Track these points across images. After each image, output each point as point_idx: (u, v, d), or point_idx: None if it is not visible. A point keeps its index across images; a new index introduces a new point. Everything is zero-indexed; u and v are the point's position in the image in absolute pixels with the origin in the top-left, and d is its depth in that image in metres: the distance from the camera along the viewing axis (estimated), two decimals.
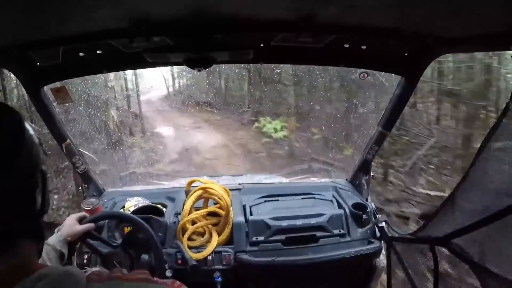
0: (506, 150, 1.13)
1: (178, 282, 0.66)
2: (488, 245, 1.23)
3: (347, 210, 1.87)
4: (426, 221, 1.60)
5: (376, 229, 1.87)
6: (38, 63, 1.44)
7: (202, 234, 1.78)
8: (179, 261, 1.68)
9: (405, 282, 1.73)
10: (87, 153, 2.01)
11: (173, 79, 14.43)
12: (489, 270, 1.20)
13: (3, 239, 0.56)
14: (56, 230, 1.41)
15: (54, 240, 1.33)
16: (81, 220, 1.48)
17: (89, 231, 1.47)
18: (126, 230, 1.77)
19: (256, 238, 1.77)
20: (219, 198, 1.79)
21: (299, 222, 1.79)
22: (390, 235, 1.82)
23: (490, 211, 1.13)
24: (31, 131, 0.63)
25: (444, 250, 1.39)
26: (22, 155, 0.58)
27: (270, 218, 1.80)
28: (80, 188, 2.01)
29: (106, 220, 1.73)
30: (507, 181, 1.12)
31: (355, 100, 6.26)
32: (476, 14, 0.96)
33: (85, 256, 1.69)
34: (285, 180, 2.38)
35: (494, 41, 1.11)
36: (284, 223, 1.78)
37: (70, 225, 1.43)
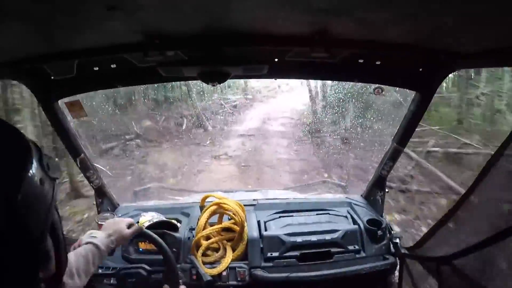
0: None
1: None
2: (490, 264, 1.24)
3: (362, 226, 1.87)
4: (429, 234, 1.62)
5: (391, 245, 1.86)
6: (52, 77, 1.44)
7: (216, 250, 1.78)
8: (194, 277, 1.67)
9: None
10: (101, 167, 2.00)
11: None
12: None
13: None
14: (102, 231, 1.30)
15: (104, 243, 1.22)
16: (129, 226, 1.38)
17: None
18: (141, 245, 1.77)
19: (271, 254, 1.76)
20: (233, 214, 1.79)
21: (313, 238, 1.78)
22: (402, 251, 1.81)
23: (494, 230, 1.14)
24: (37, 169, 0.51)
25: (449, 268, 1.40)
26: (20, 206, 0.47)
27: (285, 234, 1.79)
28: (95, 202, 2.00)
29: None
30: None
31: None
32: (491, 29, 0.96)
33: None
34: (299, 195, 2.37)
35: (510, 56, 1.09)
36: (299, 239, 1.78)
37: (121, 230, 1.32)
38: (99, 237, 1.23)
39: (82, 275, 1.05)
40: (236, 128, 7.97)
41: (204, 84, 1.65)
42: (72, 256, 1.09)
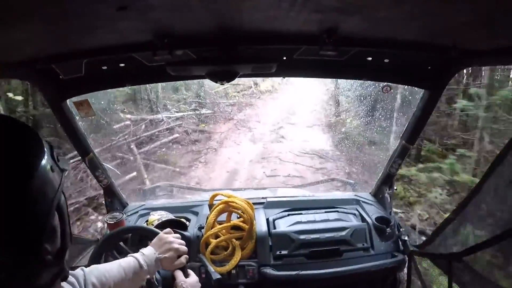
0: None
1: None
2: (500, 261, 1.24)
3: (371, 224, 1.87)
4: (438, 230, 1.63)
5: (400, 243, 1.86)
6: (61, 77, 1.44)
7: (225, 248, 1.78)
8: (203, 275, 1.67)
9: None
10: (110, 167, 2.01)
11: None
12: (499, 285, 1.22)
13: None
14: (154, 250, 1.17)
15: (149, 264, 1.12)
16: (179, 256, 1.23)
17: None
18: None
19: (280, 252, 1.77)
20: (242, 212, 1.79)
21: (322, 236, 1.78)
22: (411, 248, 1.81)
23: (502, 227, 1.14)
24: (48, 159, 0.61)
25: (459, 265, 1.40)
26: (34, 188, 0.56)
27: (294, 232, 1.80)
28: (104, 202, 2.01)
29: (130, 234, 1.73)
30: None
31: None
32: (502, 26, 0.96)
33: None
34: (308, 193, 2.37)
35: None
36: (308, 237, 1.78)
37: (171, 259, 1.19)
38: (147, 254, 1.14)
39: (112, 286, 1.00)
40: None
41: None
42: (113, 264, 1.07)
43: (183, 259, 1.23)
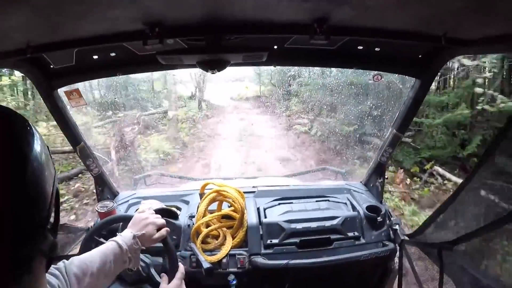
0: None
1: None
2: (491, 249, 1.25)
3: (362, 213, 1.87)
4: (429, 220, 1.62)
5: (390, 232, 1.86)
6: (51, 66, 1.45)
7: (216, 237, 1.78)
8: (194, 264, 1.68)
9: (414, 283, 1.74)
10: (101, 156, 2.01)
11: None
12: (489, 275, 1.22)
13: (20, 265, 0.51)
14: (130, 230, 1.22)
15: (127, 243, 1.16)
16: (159, 228, 1.29)
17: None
18: None
19: (271, 241, 1.77)
20: (233, 201, 1.79)
21: (313, 225, 1.78)
22: (402, 237, 1.81)
23: (493, 216, 1.14)
24: (39, 139, 0.57)
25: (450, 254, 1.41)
26: (32, 166, 0.52)
27: (284, 221, 1.79)
28: (95, 190, 2.01)
29: (120, 223, 1.72)
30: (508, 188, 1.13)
31: None
32: (492, 15, 0.96)
33: None
34: (299, 182, 2.36)
35: (510, 43, 1.09)
36: (299, 226, 1.78)
37: (149, 233, 1.24)
38: (124, 235, 1.18)
39: (96, 274, 1.01)
40: None
41: None
42: (93, 251, 1.08)
43: (164, 231, 1.27)
